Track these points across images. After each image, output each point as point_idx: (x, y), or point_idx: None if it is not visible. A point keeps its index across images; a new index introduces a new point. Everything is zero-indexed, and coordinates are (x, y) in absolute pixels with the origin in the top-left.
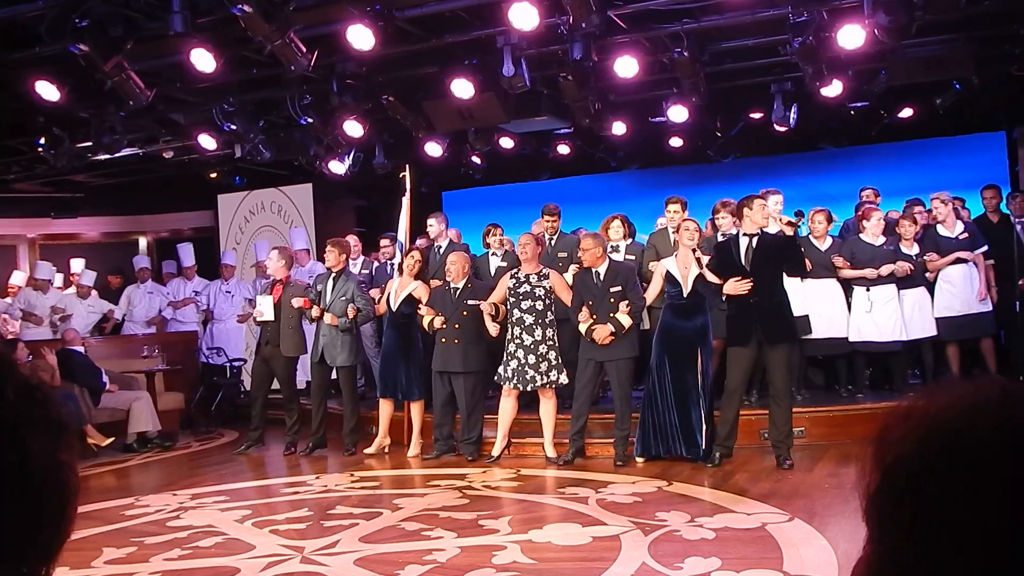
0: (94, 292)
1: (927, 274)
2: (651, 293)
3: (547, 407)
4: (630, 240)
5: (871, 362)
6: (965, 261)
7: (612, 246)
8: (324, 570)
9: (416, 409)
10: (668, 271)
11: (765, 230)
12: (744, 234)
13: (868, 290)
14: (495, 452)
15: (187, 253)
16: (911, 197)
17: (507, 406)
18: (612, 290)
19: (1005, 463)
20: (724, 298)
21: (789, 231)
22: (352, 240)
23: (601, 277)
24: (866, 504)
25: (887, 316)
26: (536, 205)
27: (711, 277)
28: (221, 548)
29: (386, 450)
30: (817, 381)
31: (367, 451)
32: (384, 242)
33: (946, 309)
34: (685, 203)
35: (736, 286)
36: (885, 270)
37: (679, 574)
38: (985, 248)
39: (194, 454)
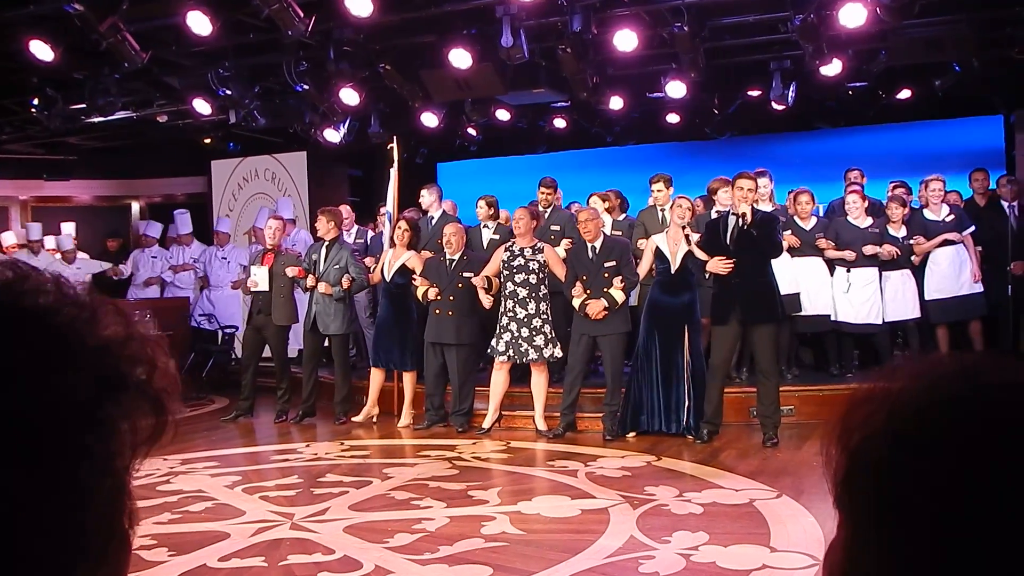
0: (81, 254)
1: (913, 257)
2: (642, 269)
3: (539, 380)
4: (622, 216)
5: (860, 343)
6: (953, 243)
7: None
8: (314, 537)
9: (408, 380)
10: (658, 247)
11: (759, 208)
12: (733, 212)
13: (848, 271)
14: (486, 424)
15: (184, 220)
16: (896, 179)
17: (499, 379)
18: (606, 265)
19: (965, 438)
20: (708, 276)
21: (679, 241)
22: (345, 210)
23: (596, 252)
24: (835, 489)
25: (865, 298)
26: (532, 178)
27: (699, 254)
28: (211, 513)
29: (374, 419)
30: (807, 360)
31: (354, 419)
32: (383, 211)
33: (936, 292)
34: (670, 180)
35: (718, 265)
36: (868, 250)
37: (667, 548)
38: (972, 228)
39: (185, 420)
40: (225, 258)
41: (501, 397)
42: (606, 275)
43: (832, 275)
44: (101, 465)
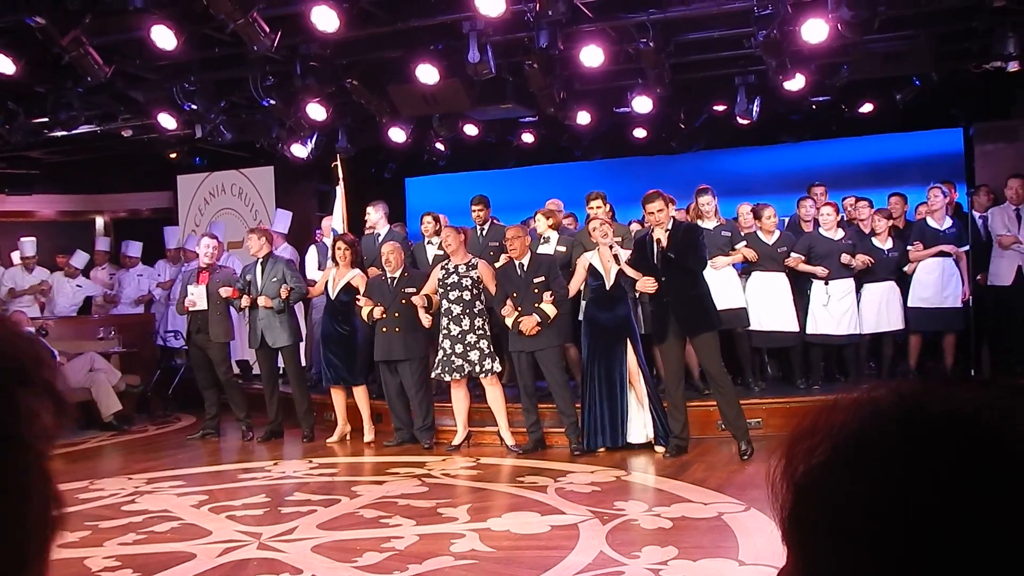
0: (39, 268)
1: (907, 266)
2: (572, 286)
3: (493, 395)
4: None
5: (826, 354)
6: (948, 255)
7: (544, 237)
8: (281, 556)
9: (360, 395)
10: (591, 264)
11: (684, 222)
12: (652, 232)
13: (827, 284)
14: (456, 442)
15: (172, 235)
16: (856, 194)
17: (459, 395)
18: (535, 281)
19: (904, 467)
20: (638, 295)
21: (611, 259)
22: (327, 222)
23: (525, 269)
24: (783, 524)
25: (843, 310)
26: (500, 193)
27: (630, 272)
28: (177, 533)
29: (347, 438)
30: (774, 373)
31: (329, 440)
32: (324, 225)
33: (920, 300)
34: (605, 196)
35: (647, 285)
36: (844, 259)
37: (636, 563)
38: (967, 247)
39: (150, 438)
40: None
41: (466, 413)
42: (536, 291)
43: (806, 288)
44: (29, 449)
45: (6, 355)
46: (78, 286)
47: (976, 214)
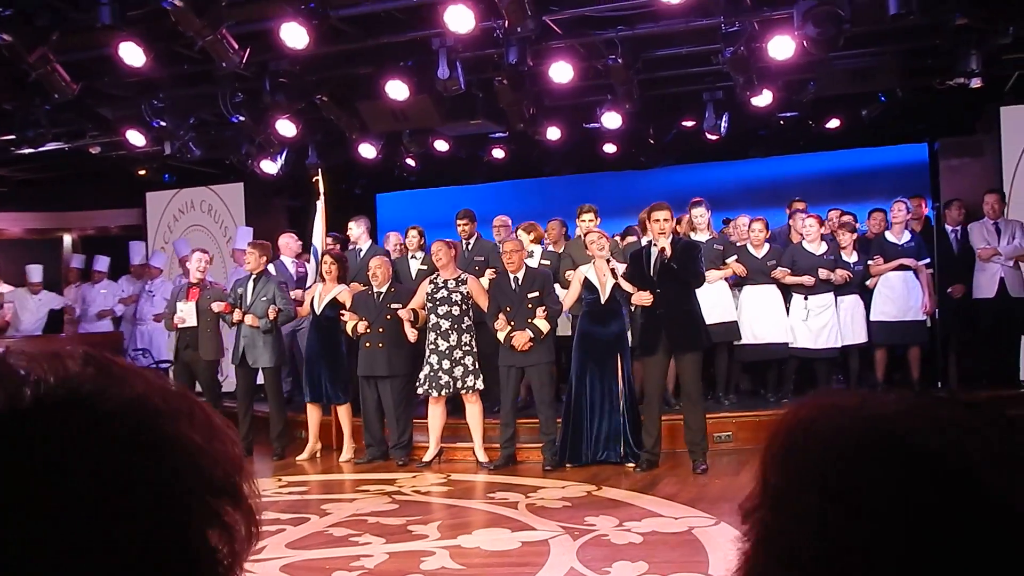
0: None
1: (869, 280)
2: (568, 300)
3: (472, 412)
4: (551, 246)
5: (800, 367)
6: (908, 268)
7: (527, 252)
8: None
9: (343, 412)
10: (586, 277)
11: (684, 238)
12: (654, 245)
13: (806, 298)
14: (427, 458)
15: (137, 251)
16: (834, 207)
17: (435, 412)
18: (530, 296)
19: (865, 479)
20: (633, 308)
21: (607, 272)
22: (292, 239)
23: (519, 283)
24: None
25: (823, 324)
26: (472, 208)
27: (626, 286)
28: None
29: (318, 455)
30: (744, 386)
31: (299, 458)
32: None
33: (882, 314)
34: (596, 210)
35: (643, 298)
36: (823, 274)
37: None
38: (928, 260)
39: None
40: (151, 292)
41: (440, 430)
42: (530, 306)
43: (786, 302)
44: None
45: (216, 458)
46: (40, 300)
47: (948, 228)
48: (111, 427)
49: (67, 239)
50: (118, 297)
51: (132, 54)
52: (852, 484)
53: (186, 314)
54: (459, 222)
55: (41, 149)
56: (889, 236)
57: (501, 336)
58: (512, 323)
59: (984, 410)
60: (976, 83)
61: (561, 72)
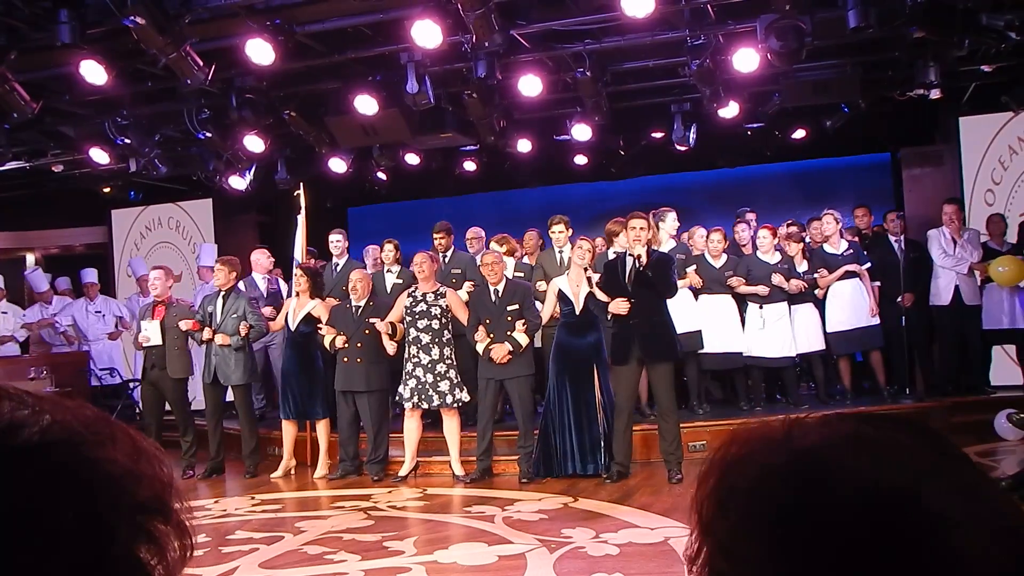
0: None
1: (817, 291)
2: (545, 312)
3: (451, 426)
4: (526, 257)
5: (767, 376)
6: (854, 275)
7: None
8: None
9: (322, 428)
10: (560, 289)
11: (656, 250)
12: (630, 254)
13: (761, 308)
14: (403, 472)
15: (90, 273)
16: (790, 217)
17: (411, 426)
18: (509, 308)
19: (790, 504)
20: (609, 317)
21: (581, 283)
22: (264, 255)
23: (499, 295)
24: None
25: (779, 333)
26: (445, 221)
27: (600, 295)
28: None
29: (292, 472)
30: (717, 395)
31: (273, 475)
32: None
33: (837, 324)
34: (568, 221)
35: (619, 306)
36: (776, 279)
37: None
38: (869, 264)
39: None
40: (99, 311)
41: (416, 444)
42: (509, 318)
43: (741, 312)
44: None
45: (142, 479)
46: (3, 312)
47: (891, 238)
48: (26, 460)
49: (30, 258)
50: (20, 322)
51: (93, 72)
52: (794, 528)
53: (150, 332)
54: (436, 235)
55: (1, 169)
56: (827, 248)
57: (480, 348)
58: (491, 335)
59: (908, 426)
60: (935, 94)
61: (530, 85)
